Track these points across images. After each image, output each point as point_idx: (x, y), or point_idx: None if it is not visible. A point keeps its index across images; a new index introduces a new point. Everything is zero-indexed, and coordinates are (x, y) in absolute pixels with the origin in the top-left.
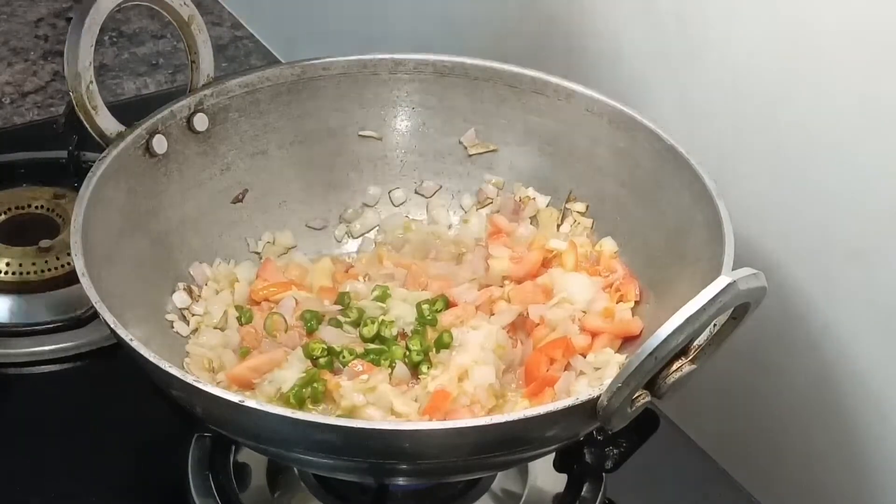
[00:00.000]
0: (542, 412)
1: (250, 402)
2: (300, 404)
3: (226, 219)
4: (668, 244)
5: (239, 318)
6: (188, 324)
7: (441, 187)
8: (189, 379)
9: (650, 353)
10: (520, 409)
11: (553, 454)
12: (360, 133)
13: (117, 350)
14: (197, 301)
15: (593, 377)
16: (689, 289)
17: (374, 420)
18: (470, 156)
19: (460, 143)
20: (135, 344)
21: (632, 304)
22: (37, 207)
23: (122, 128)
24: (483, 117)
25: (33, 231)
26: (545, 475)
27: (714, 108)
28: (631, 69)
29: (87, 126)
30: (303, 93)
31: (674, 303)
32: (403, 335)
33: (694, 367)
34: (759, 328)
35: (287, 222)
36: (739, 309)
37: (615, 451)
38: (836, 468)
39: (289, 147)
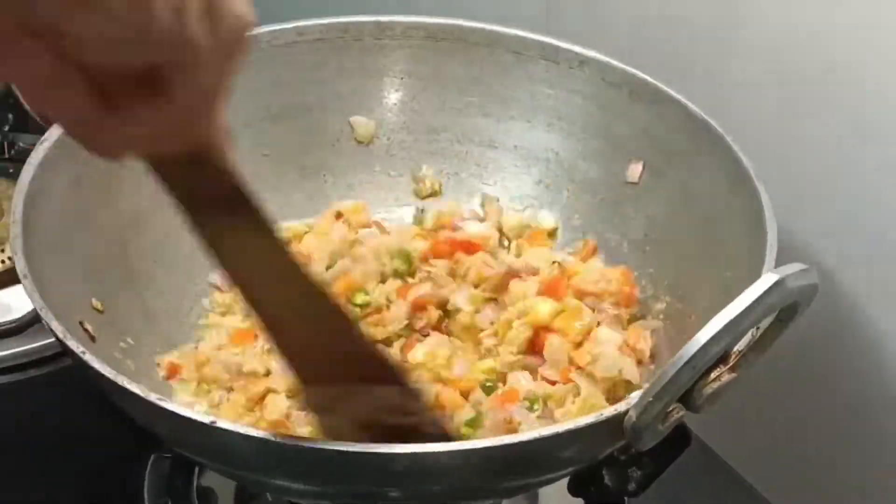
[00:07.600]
0: (559, 431)
1: (223, 424)
2: None
3: None
4: (699, 235)
5: None
6: None
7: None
8: (152, 398)
9: (686, 363)
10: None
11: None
12: (342, 109)
13: (63, 358)
14: None
15: None
16: (723, 288)
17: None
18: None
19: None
20: (87, 357)
21: None
22: None
23: None
24: (482, 88)
25: None
26: (558, 500)
27: (753, 82)
28: (656, 33)
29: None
30: (274, 61)
31: (704, 303)
32: None
33: (734, 375)
34: (803, 335)
35: None
36: (787, 310)
37: (638, 472)
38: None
39: (258, 125)
